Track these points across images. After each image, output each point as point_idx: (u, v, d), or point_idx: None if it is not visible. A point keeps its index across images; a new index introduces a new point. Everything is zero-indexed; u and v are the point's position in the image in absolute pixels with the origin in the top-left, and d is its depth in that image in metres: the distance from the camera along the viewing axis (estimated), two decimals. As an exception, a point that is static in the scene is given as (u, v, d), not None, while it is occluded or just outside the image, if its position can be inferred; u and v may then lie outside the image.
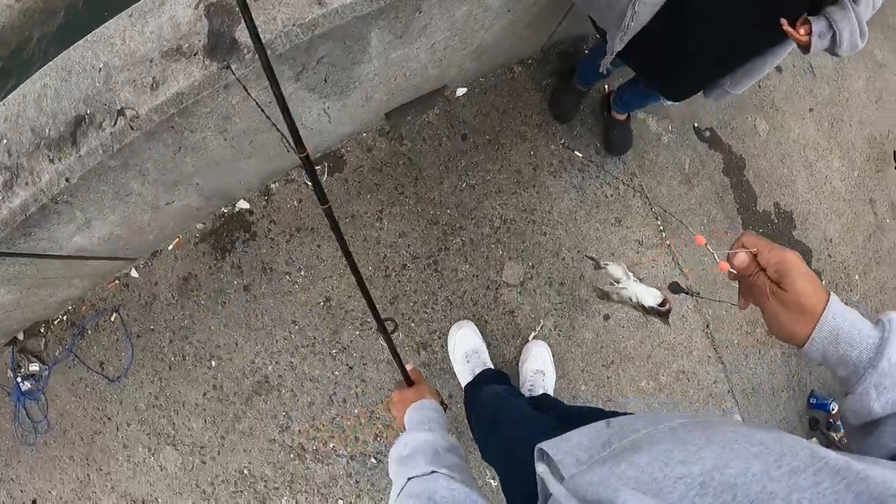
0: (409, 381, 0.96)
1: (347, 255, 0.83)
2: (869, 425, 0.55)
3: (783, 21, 0.96)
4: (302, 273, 1.72)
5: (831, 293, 0.56)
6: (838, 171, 2.17)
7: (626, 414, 1.00)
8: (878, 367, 0.52)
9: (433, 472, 0.67)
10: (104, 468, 1.91)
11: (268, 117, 1.36)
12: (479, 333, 1.66)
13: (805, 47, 0.97)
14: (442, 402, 0.98)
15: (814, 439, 1.96)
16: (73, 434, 1.90)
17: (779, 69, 2.14)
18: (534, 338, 1.70)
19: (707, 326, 1.83)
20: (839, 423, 1.86)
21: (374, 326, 0.93)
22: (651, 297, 0.77)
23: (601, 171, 1.82)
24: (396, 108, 1.72)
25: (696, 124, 1.98)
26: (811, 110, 2.18)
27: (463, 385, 1.65)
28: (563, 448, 0.61)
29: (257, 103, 1.23)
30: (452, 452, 0.73)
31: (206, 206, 1.68)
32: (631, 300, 0.80)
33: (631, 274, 0.81)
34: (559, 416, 1.24)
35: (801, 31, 0.96)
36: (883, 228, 2.22)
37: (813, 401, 1.89)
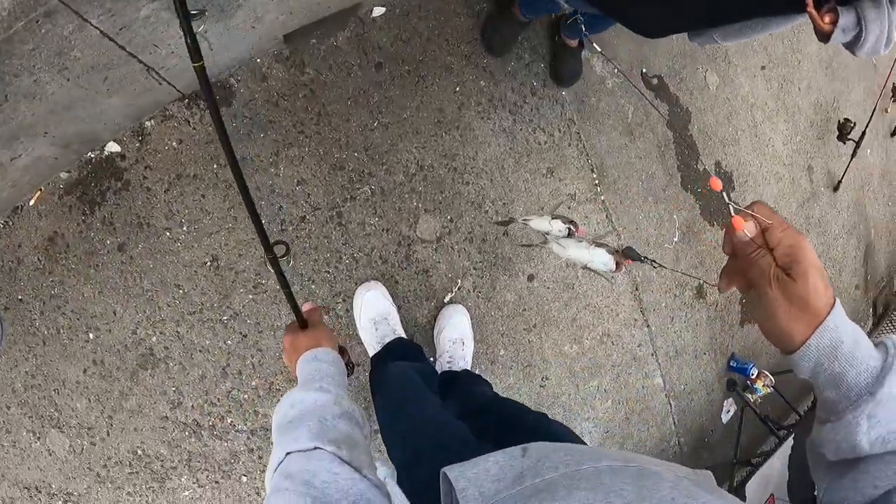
0: (302, 323, 0.92)
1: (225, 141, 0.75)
2: (848, 463, 0.52)
3: (809, 1, 0.93)
4: (184, 228, 1.63)
5: (836, 298, 0.52)
6: (782, 134, 2.27)
7: (551, 424, 1.04)
8: (877, 395, 0.49)
9: (316, 447, 0.61)
10: (-12, 458, 1.85)
11: (121, 47, 1.22)
12: (388, 296, 1.66)
13: (825, 36, 0.95)
14: (343, 351, 0.92)
15: (730, 400, 2.17)
16: (-47, 422, 1.81)
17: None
18: (450, 300, 1.73)
19: (636, 289, 1.93)
20: (756, 385, 2.06)
21: (265, 256, 0.86)
22: (601, 262, 0.77)
23: (536, 115, 1.81)
24: (298, 29, 1.61)
25: (644, 70, 1.98)
26: (763, 68, 2.24)
27: (370, 355, 1.67)
28: (469, 475, 0.58)
29: (101, 31, 1.11)
30: (345, 420, 0.68)
31: (67, 154, 1.54)
32: (576, 264, 0.80)
33: (557, 223, 0.81)
34: (475, 410, 1.26)
35: (826, 18, 0.94)
36: (816, 196, 2.39)
37: (733, 364, 2.07)
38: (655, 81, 1.99)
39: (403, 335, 1.65)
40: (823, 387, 0.52)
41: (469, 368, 1.64)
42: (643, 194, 1.91)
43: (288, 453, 0.62)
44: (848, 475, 0.52)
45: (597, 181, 1.85)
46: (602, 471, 0.51)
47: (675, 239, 1.98)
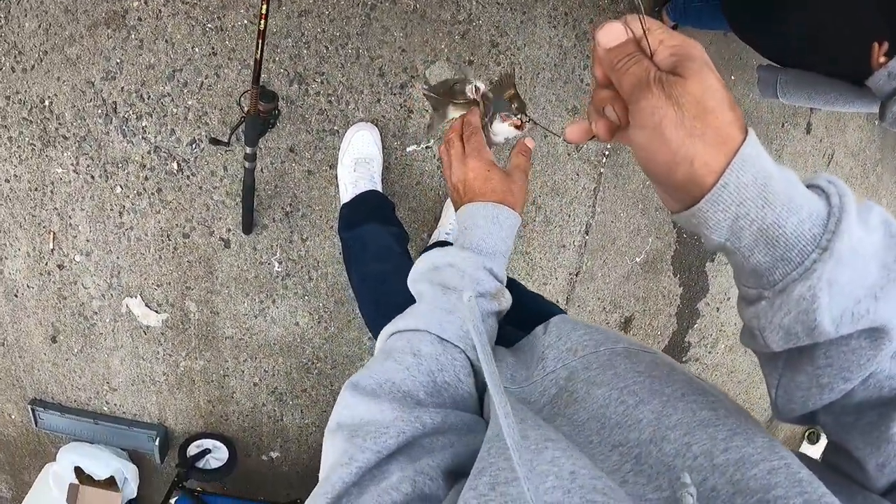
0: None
1: None
2: (800, 353, 0.38)
3: (876, 46, 0.92)
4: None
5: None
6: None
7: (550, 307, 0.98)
8: (835, 250, 0.33)
9: (457, 346, 0.53)
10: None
11: None
12: (379, 144, 1.57)
13: (869, 71, 0.94)
14: (273, 96, 0.79)
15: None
16: None
17: (808, 130, 2.10)
18: (412, 150, 1.59)
19: (576, 275, 1.80)
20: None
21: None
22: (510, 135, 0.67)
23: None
24: None
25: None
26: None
27: (342, 199, 1.52)
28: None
29: None
30: (494, 318, 0.60)
31: None
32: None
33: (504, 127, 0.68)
34: None
35: (883, 56, 0.91)
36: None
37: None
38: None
39: (379, 188, 1.51)
40: (750, 249, 0.36)
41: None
42: (637, 197, 1.80)
43: (429, 331, 0.54)
44: (804, 369, 0.38)
45: (607, 152, 1.74)
46: (619, 353, 0.49)
47: (638, 259, 1.84)
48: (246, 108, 1.25)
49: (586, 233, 1.76)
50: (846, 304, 0.33)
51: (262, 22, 1.01)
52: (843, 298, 0.33)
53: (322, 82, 1.54)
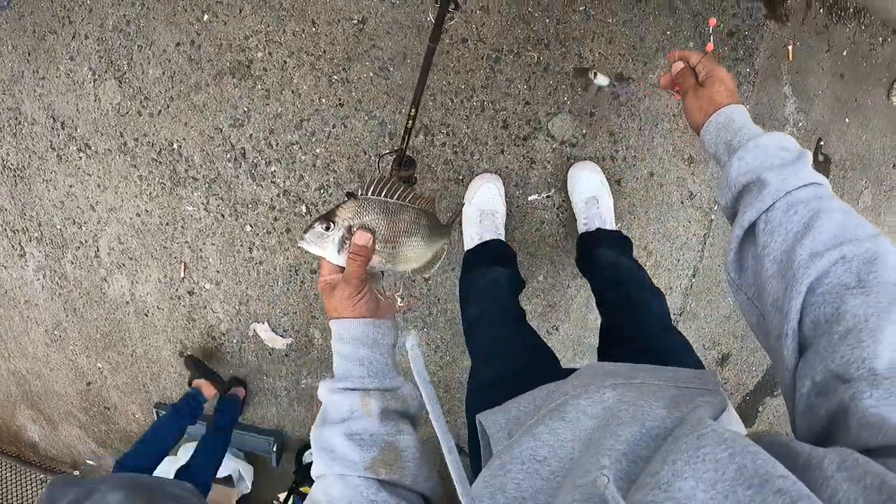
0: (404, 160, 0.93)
1: None
2: (733, 208, 0.66)
3: None
4: (353, -22, 1.48)
5: (742, 104, 0.72)
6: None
7: (661, 337, 1.05)
8: (748, 144, 0.64)
9: (350, 475, 0.55)
10: (41, 71, 1.76)
11: None
12: (503, 195, 1.55)
13: None
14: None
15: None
16: (27, 23, 1.72)
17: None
18: (532, 201, 1.59)
19: (680, 314, 1.79)
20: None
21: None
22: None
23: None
24: None
25: (821, 142, 1.80)
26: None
27: (466, 246, 1.52)
28: (500, 421, 0.66)
29: None
30: (385, 423, 0.60)
31: None
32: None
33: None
34: (607, 283, 1.29)
35: None
36: None
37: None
38: (822, 159, 1.82)
39: (503, 237, 1.51)
40: (721, 153, 0.70)
41: (610, 227, 1.51)
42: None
43: (326, 475, 0.57)
44: (737, 212, 0.63)
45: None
46: (606, 387, 0.56)
47: (741, 298, 1.82)
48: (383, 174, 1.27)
49: (693, 276, 1.74)
50: (747, 164, 0.63)
51: (411, 122, 1.02)
52: (748, 166, 0.63)
53: (448, 133, 1.54)
